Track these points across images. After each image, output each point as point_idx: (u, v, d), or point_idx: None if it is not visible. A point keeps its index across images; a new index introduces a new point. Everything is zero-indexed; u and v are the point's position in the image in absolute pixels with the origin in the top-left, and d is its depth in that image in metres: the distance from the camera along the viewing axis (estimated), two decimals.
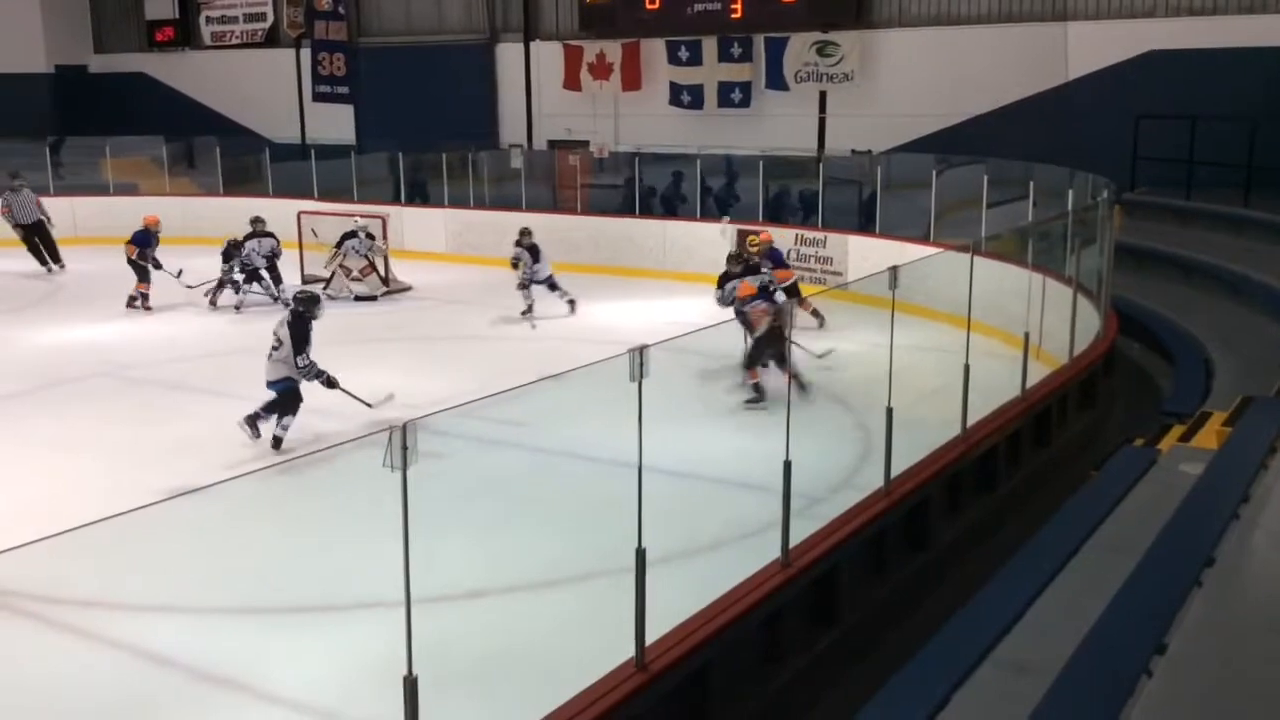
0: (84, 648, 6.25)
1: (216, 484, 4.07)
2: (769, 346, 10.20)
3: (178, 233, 20.19)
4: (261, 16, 25.92)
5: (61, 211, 19.69)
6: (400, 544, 4.03)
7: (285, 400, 9.51)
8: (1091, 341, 10.88)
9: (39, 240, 18.69)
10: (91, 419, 10.47)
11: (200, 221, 20.35)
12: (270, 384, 9.56)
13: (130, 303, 15.34)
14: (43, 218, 18.67)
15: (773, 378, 10.17)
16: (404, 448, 3.79)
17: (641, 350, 4.73)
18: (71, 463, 9.16)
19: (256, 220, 16.08)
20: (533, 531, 7.64)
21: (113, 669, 6.02)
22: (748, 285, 11.26)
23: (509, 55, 23.12)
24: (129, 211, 18.24)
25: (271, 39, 25.86)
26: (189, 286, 15.67)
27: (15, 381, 11.69)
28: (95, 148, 24.06)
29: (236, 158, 22.93)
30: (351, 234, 16.25)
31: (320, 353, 9.78)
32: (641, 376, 4.71)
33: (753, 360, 10.50)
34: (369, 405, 9.93)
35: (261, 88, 25.70)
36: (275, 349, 9.56)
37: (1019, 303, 10.49)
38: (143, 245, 15.38)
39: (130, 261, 15.37)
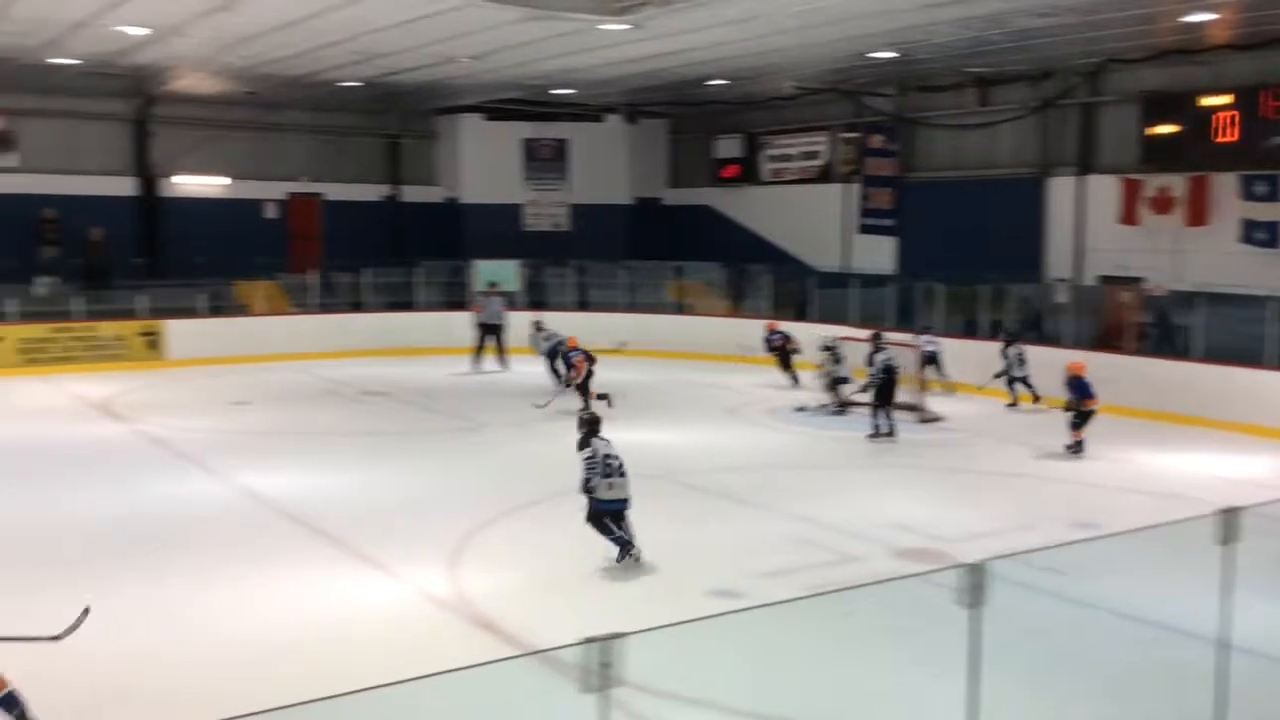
0: None
1: (798, 599, 4.34)
2: None
3: (722, 350, 21.98)
4: (816, 155, 27.62)
5: (630, 327, 22.20)
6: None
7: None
8: None
9: (496, 341, 22.02)
10: (636, 515, 11.48)
11: (733, 341, 22.13)
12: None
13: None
14: (500, 324, 22.07)
15: None
16: (976, 587, 3.83)
17: (1233, 512, 4.40)
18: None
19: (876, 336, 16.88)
20: (1073, 688, 7.22)
21: None
22: None
23: (1060, 189, 22.60)
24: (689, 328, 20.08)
25: (823, 175, 27.42)
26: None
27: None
28: (661, 271, 26.90)
29: (784, 283, 24.53)
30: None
31: (838, 476, 10.04)
32: (1230, 541, 4.38)
33: None
34: None
35: (810, 219, 27.25)
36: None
37: None
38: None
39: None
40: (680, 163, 31.34)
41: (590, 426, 10.03)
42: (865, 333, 17.56)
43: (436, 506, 11.75)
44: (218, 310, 24.25)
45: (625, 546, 9.50)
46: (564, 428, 16.20)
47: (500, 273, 26.50)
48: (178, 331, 22.81)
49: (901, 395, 16.50)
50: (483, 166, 29.44)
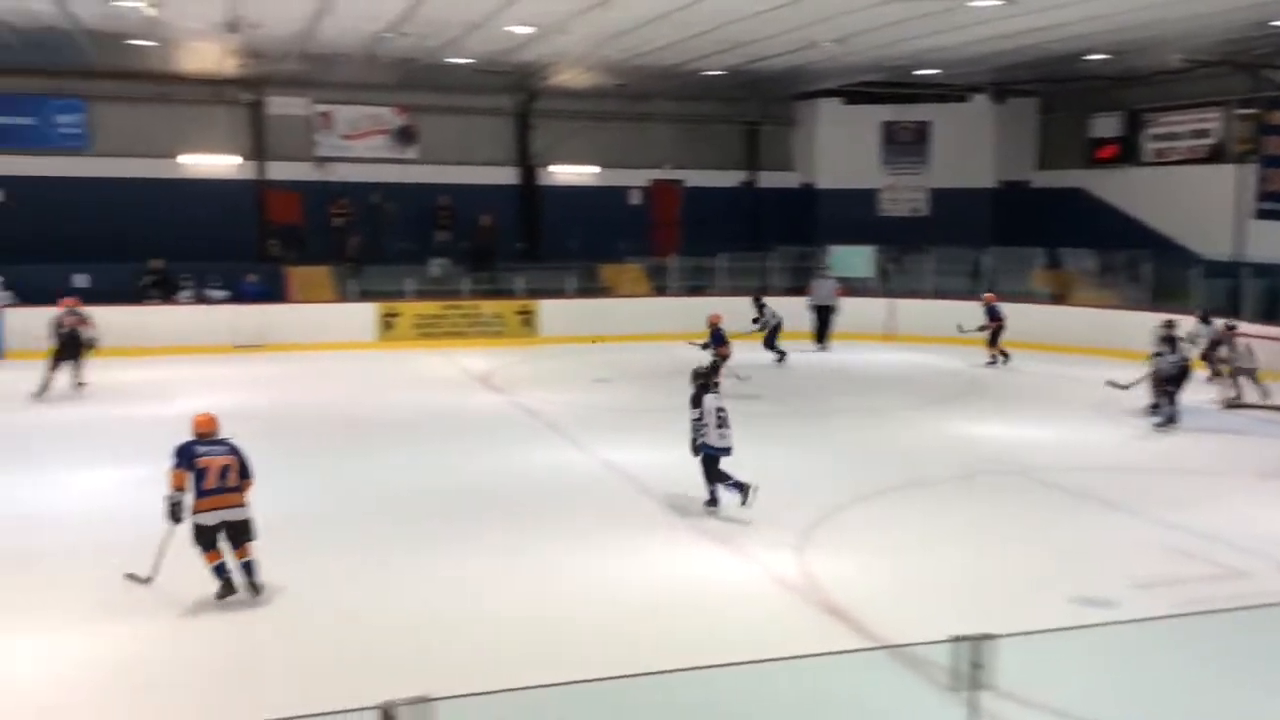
0: None
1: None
2: None
3: (1095, 343, 20.68)
4: (1206, 133, 25.24)
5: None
6: None
7: None
8: None
9: (826, 322, 23.01)
10: (994, 513, 11.05)
11: (1109, 334, 20.84)
12: None
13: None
14: (832, 305, 23.04)
15: None
16: None
17: None
18: (968, 547, 9.79)
19: (1168, 324, 16.21)
20: None
21: None
22: None
23: None
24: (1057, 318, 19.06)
25: (1215, 155, 25.01)
26: (1121, 387, 15.91)
27: (939, 467, 12.86)
28: (1026, 258, 25.64)
29: (1166, 271, 22.71)
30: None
31: (1218, 483, 9.14)
32: None
33: None
34: None
35: (1197, 203, 24.97)
36: None
37: None
38: None
39: None
40: (1050, 143, 29.61)
41: (703, 382, 11.13)
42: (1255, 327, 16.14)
43: (786, 489, 11.84)
44: (585, 291, 25.68)
45: (743, 489, 10.64)
46: (921, 417, 15.92)
47: (854, 259, 26.29)
48: (549, 311, 24.39)
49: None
50: (840, 151, 29.24)
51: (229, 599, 8.38)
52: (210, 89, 25.42)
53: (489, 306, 24.30)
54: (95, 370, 17.60)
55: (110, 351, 19.12)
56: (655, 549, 9.81)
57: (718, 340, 16.90)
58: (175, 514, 8.38)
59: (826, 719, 4.63)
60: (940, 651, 3.53)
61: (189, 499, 8.38)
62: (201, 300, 23.06)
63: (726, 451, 10.76)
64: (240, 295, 23.02)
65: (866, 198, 29.07)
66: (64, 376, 17.01)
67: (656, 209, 29.45)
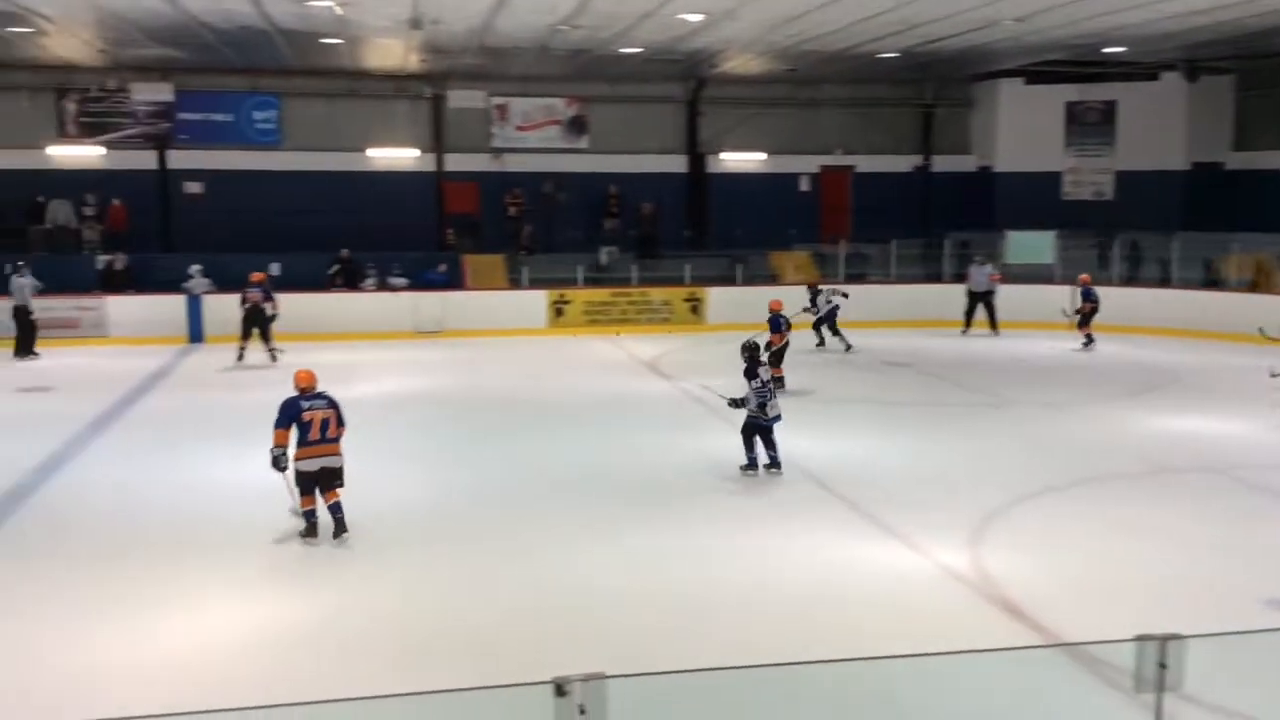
0: None
1: None
2: None
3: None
4: None
5: (1183, 303, 20.31)
6: None
7: None
8: None
9: (987, 308, 22.72)
10: (1182, 511, 10.52)
11: None
12: None
13: None
14: (989, 291, 22.64)
15: None
16: None
17: None
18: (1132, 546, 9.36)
19: None
20: None
21: None
22: None
23: None
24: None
25: None
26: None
27: (1123, 462, 12.33)
28: (1219, 243, 24.25)
29: None
30: None
31: None
32: None
33: None
34: None
35: None
36: None
37: None
38: None
39: None
40: (1249, 123, 27.87)
41: (754, 355, 11.80)
42: None
43: (957, 482, 11.61)
44: (751, 279, 25.62)
45: (773, 463, 11.58)
46: (1103, 409, 15.29)
47: (1034, 244, 25.39)
48: (716, 298, 24.43)
49: None
50: (1020, 133, 28.27)
51: (311, 540, 9.45)
52: (393, 84, 26.42)
53: (657, 293, 24.51)
54: (283, 353, 18.84)
55: (298, 336, 20.22)
56: (825, 537, 9.74)
57: (774, 327, 16.52)
58: (279, 464, 9.34)
59: (1003, 717, 4.52)
60: (1123, 652, 3.41)
61: (291, 451, 9.37)
62: (384, 288, 24.03)
63: (772, 420, 11.57)
64: (426, 283, 23.89)
65: (1048, 181, 28.06)
66: (254, 351, 19.16)
67: (826, 195, 29.13)
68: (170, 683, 6.83)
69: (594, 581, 8.65)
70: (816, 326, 20.77)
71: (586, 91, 27.53)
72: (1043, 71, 27.04)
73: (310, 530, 9.47)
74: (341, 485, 9.47)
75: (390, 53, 23.39)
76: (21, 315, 19.81)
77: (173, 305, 21.89)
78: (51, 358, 19.80)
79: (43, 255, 23.53)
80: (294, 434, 9.32)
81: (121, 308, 22.06)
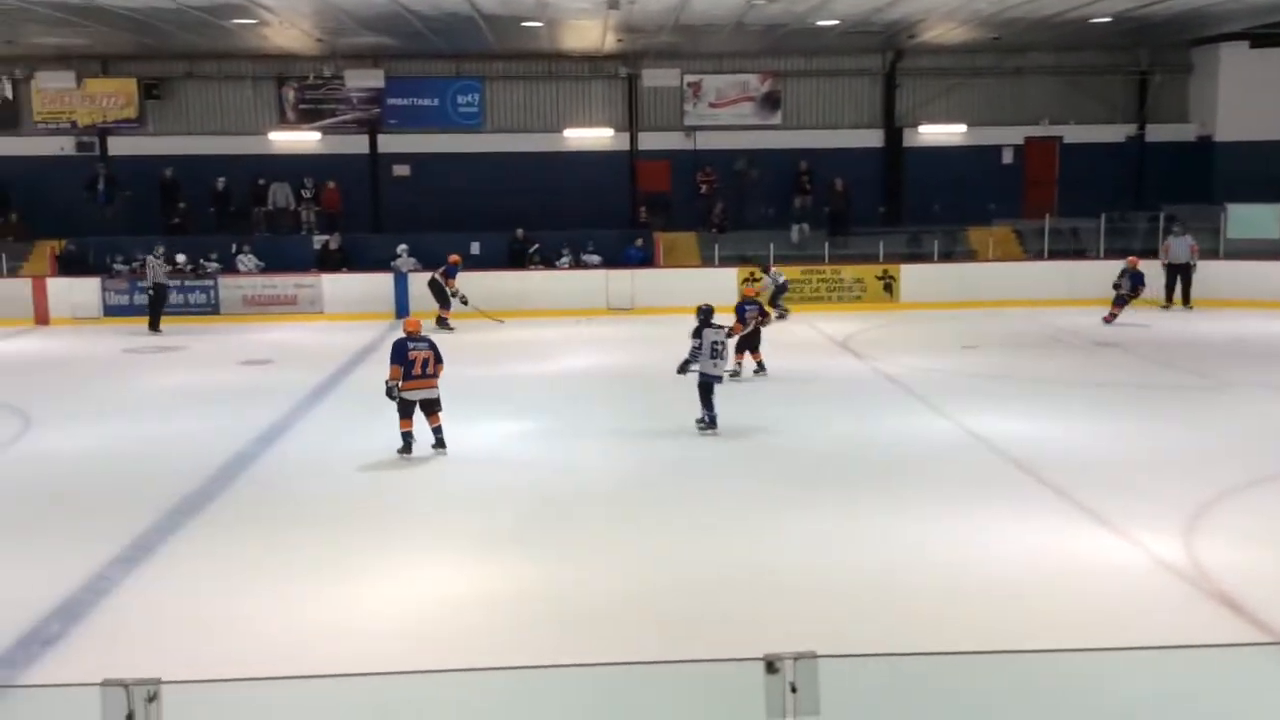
0: None
1: None
2: None
3: None
4: None
5: None
6: None
7: None
8: None
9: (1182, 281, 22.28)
10: None
11: None
12: None
13: None
14: (1188, 263, 22.17)
15: None
16: None
17: None
18: None
19: None
20: None
21: None
22: None
23: None
24: None
25: None
26: None
27: None
28: None
29: None
30: None
31: None
32: None
33: None
34: None
35: None
36: None
37: None
38: None
39: None
40: None
41: (705, 317, 12.57)
42: None
43: (1171, 468, 11.05)
44: (947, 256, 24.93)
45: (711, 422, 12.31)
46: None
47: (1258, 218, 23.82)
48: (910, 276, 23.89)
49: None
50: (1244, 100, 26.43)
51: (410, 457, 11.37)
52: (589, 65, 26.87)
53: (849, 271, 24.14)
54: (480, 331, 19.60)
55: (494, 314, 20.96)
56: (1029, 522, 9.44)
57: (738, 315, 15.72)
58: (391, 394, 11.32)
59: (1221, 715, 4.32)
60: None
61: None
62: (578, 265, 24.52)
63: (718, 379, 12.40)
64: (624, 260, 24.26)
65: (1274, 151, 26.14)
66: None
67: (1030, 167, 28.03)
68: (377, 652, 7.13)
69: (785, 559, 8.65)
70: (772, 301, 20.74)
71: (780, 66, 27.29)
72: (1271, 34, 25.18)
73: (406, 448, 11.38)
74: (441, 410, 11.47)
75: (587, 34, 23.78)
76: (159, 292, 21.36)
77: (382, 283, 22.98)
78: (273, 332, 21.15)
79: (265, 235, 25.14)
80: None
81: (335, 285, 23.30)
